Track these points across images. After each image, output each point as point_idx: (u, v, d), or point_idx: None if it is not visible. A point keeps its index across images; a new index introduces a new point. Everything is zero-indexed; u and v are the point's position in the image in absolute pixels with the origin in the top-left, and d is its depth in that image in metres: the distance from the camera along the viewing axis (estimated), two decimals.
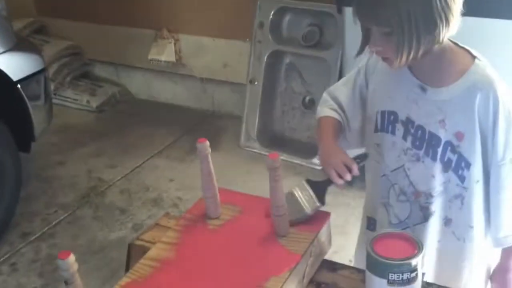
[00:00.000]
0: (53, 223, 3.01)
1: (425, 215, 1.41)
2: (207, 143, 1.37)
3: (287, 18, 3.54)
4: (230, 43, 3.83)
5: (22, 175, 2.95)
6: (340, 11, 2.80)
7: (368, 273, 1.23)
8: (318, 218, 1.39)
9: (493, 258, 1.51)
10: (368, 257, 1.22)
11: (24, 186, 3.12)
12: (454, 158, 1.35)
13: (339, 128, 1.49)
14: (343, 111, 1.51)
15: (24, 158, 3.08)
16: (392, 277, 1.18)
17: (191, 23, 3.93)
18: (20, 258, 2.78)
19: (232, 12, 3.72)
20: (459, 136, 1.33)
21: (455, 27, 1.25)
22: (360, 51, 1.35)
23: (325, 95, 1.56)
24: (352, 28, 2.74)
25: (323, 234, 1.38)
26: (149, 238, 1.50)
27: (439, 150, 1.35)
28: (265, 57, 3.52)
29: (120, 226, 2.98)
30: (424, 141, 1.36)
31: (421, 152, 1.36)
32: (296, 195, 1.37)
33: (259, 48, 3.54)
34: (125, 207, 3.12)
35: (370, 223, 1.58)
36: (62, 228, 2.98)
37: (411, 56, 1.25)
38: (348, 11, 2.75)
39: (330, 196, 2.46)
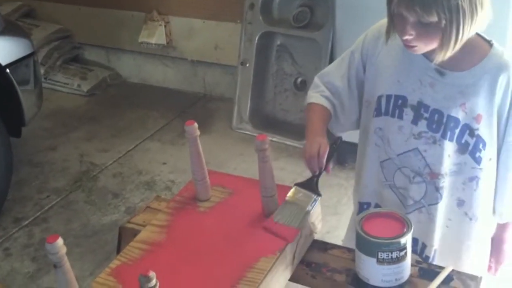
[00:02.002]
0: (46, 207, 3.01)
1: (441, 195, 1.42)
2: (196, 125, 1.37)
3: None
4: (220, 25, 3.81)
5: (13, 160, 2.94)
6: None
7: (357, 252, 1.24)
8: None
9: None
10: (358, 236, 1.22)
11: (16, 171, 3.11)
12: (472, 141, 1.36)
13: (328, 117, 1.47)
14: (338, 95, 1.49)
15: (15, 143, 3.07)
16: (381, 256, 1.19)
17: (181, 5, 3.89)
18: (13, 243, 2.78)
19: None
20: (478, 118, 1.34)
21: (490, 16, 1.26)
22: (388, 36, 1.34)
23: (316, 79, 1.53)
24: (342, 8, 2.76)
25: (313, 215, 1.38)
26: (140, 221, 1.50)
27: (457, 131, 1.35)
28: (256, 38, 3.50)
29: (113, 209, 2.98)
30: (442, 124, 1.35)
31: (438, 135, 1.36)
32: (289, 204, 1.34)
33: (250, 30, 3.52)
34: (118, 191, 3.12)
35: (362, 209, 1.56)
36: (54, 212, 2.98)
37: (456, 47, 1.25)
38: None
39: (322, 177, 2.45)
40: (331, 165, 1.39)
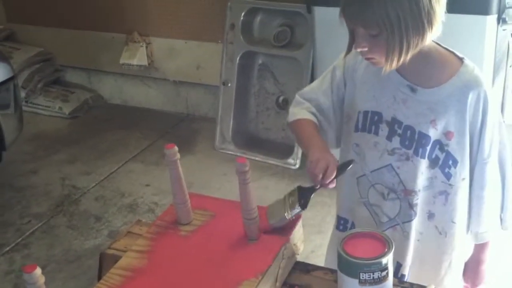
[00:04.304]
0: (27, 233, 2.97)
1: (416, 212, 1.43)
2: (176, 148, 1.36)
3: (258, 19, 3.54)
4: (202, 45, 3.82)
5: None
6: (309, 10, 2.81)
7: (339, 273, 1.23)
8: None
9: (469, 253, 1.54)
10: (339, 257, 1.22)
11: None
12: (442, 156, 1.36)
13: (319, 132, 1.45)
14: (323, 110, 1.47)
15: None
16: (363, 277, 1.18)
17: (162, 26, 3.91)
18: None
19: (203, 14, 3.71)
20: (449, 135, 1.35)
21: (440, 29, 1.27)
22: (348, 50, 1.35)
23: (297, 97, 1.52)
24: (322, 27, 2.80)
25: (294, 236, 1.37)
26: (121, 247, 1.48)
27: (428, 148, 1.36)
28: (238, 58, 3.51)
29: (95, 233, 2.95)
30: (414, 141, 1.36)
31: (411, 152, 1.37)
32: (283, 200, 1.34)
33: (231, 50, 3.53)
34: (100, 214, 3.09)
35: (339, 223, 1.58)
36: (36, 238, 2.94)
37: (401, 59, 1.25)
38: (318, 10, 2.77)
39: None
40: (334, 183, 1.34)
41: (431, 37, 1.27)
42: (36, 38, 4.38)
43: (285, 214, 1.33)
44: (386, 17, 1.20)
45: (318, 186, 1.32)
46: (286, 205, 1.33)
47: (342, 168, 1.35)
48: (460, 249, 1.50)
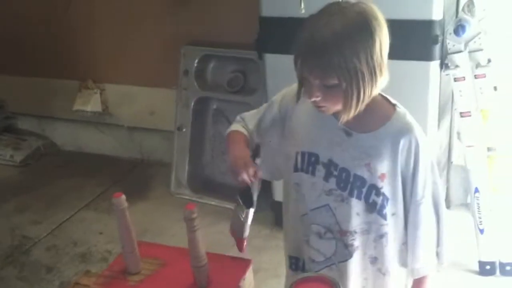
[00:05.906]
0: None
1: (350, 252, 1.46)
2: (123, 197, 1.36)
3: (211, 65, 3.59)
4: (156, 91, 3.83)
5: None
6: (261, 57, 2.87)
7: None
8: (240, 266, 1.39)
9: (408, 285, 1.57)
10: None
11: None
12: (379, 200, 1.41)
13: (248, 143, 1.52)
14: (251, 136, 1.54)
15: None
16: None
17: (116, 72, 3.91)
18: None
19: (157, 61, 3.73)
20: (382, 177, 1.39)
21: (387, 77, 1.32)
22: (298, 97, 1.39)
23: (238, 117, 1.60)
24: (273, 73, 2.85)
25: (245, 282, 1.38)
26: None
27: (364, 190, 1.40)
28: (192, 103, 3.54)
29: (46, 285, 2.86)
30: (349, 183, 1.40)
31: (346, 193, 1.41)
32: (234, 209, 1.43)
33: (186, 95, 3.56)
34: (52, 264, 3.00)
35: (291, 262, 1.59)
36: None
37: (358, 108, 1.30)
38: (268, 57, 2.83)
39: (261, 239, 2.47)
40: (260, 172, 1.41)
41: (381, 85, 1.32)
42: None
43: (242, 219, 1.44)
44: (346, 69, 1.24)
45: (250, 181, 1.37)
46: (238, 214, 1.44)
47: (253, 154, 1.42)
48: (400, 284, 1.55)
